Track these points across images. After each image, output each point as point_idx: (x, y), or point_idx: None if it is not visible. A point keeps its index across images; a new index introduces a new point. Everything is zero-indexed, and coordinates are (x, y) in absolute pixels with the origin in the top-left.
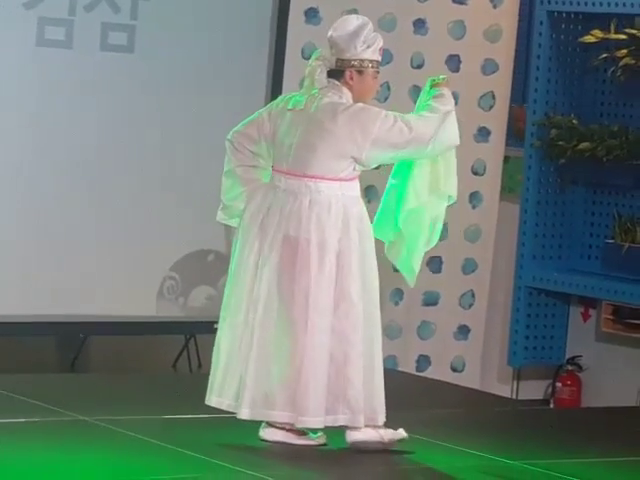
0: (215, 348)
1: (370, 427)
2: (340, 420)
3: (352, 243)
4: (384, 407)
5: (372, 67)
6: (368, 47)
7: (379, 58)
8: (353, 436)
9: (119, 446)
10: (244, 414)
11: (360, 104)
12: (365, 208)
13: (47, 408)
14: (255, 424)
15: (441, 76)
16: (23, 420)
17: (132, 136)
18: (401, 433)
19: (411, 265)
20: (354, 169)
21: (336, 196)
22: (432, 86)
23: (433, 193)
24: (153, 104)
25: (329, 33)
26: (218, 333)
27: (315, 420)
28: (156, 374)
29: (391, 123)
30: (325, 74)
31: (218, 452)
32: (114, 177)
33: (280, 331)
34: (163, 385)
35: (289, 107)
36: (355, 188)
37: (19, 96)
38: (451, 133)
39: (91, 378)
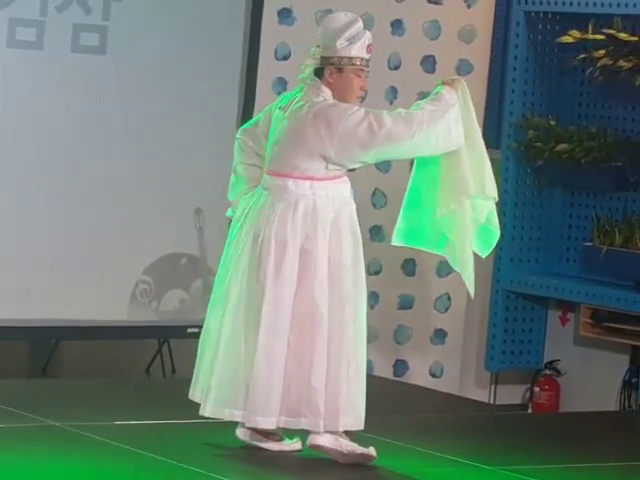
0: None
1: (331, 434)
2: (302, 423)
3: (320, 244)
4: (352, 413)
5: (352, 65)
6: (350, 44)
7: (364, 55)
8: (312, 440)
9: (91, 452)
10: (206, 411)
11: (331, 101)
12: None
13: (18, 413)
14: (231, 428)
15: (454, 77)
16: None
17: (104, 138)
18: (369, 452)
19: (468, 276)
20: (326, 168)
21: (305, 195)
22: (442, 84)
23: (466, 198)
24: (125, 105)
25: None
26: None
27: (265, 420)
28: (129, 379)
29: (359, 119)
30: (312, 72)
31: (190, 457)
32: (86, 179)
33: (243, 331)
34: (136, 390)
35: (279, 106)
36: (336, 188)
37: None
38: (441, 134)
39: (63, 383)
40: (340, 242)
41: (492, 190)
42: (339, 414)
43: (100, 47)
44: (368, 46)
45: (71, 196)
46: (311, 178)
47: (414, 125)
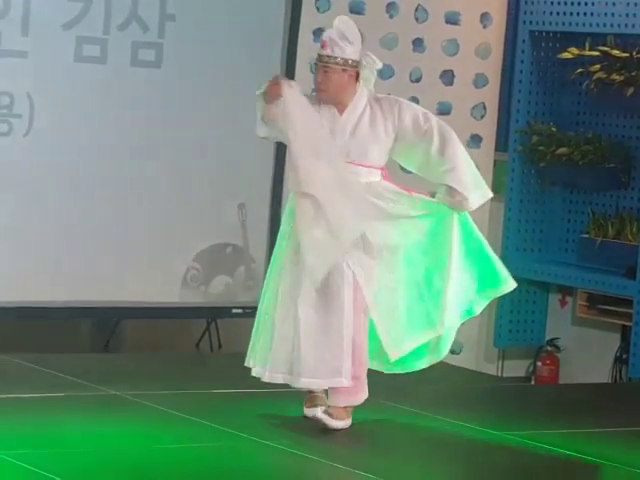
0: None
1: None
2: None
3: None
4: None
5: (316, 61)
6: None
7: (322, 52)
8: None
9: (148, 418)
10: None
11: None
12: None
13: (83, 384)
14: (277, 398)
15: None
16: (62, 395)
17: (162, 140)
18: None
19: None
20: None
21: None
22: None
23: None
24: (178, 113)
25: None
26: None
27: (308, 381)
28: (181, 354)
29: None
30: None
31: (236, 423)
32: (146, 178)
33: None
34: (188, 363)
35: None
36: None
37: (58, 106)
38: None
39: (123, 357)
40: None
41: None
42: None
43: (156, 62)
44: (323, 41)
45: (132, 193)
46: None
47: None
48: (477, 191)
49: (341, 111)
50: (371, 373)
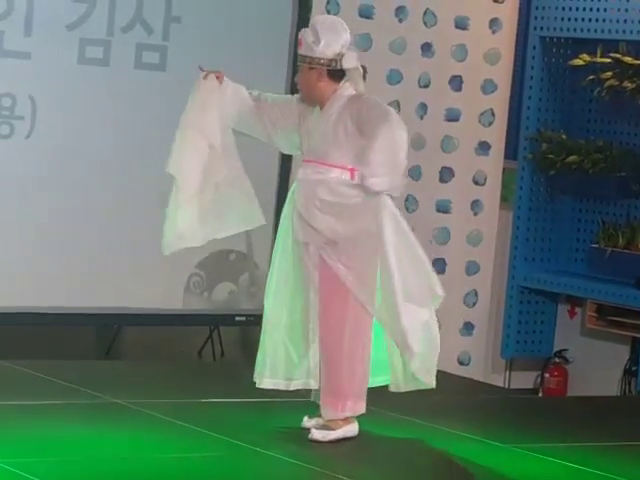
0: None
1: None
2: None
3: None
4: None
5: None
6: None
7: (300, 51)
8: None
9: (148, 426)
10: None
11: None
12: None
13: (84, 391)
14: (279, 407)
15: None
16: (62, 402)
17: (162, 145)
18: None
19: None
20: None
21: None
22: None
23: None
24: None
25: None
26: None
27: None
28: (183, 362)
29: None
30: None
31: (237, 432)
32: (147, 183)
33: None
34: (189, 372)
35: None
36: None
37: (60, 108)
38: None
39: (124, 364)
40: None
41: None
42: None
43: (160, 64)
44: (299, 40)
45: (133, 198)
46: None
47: None
48: (385, 176)
49: (322, 110)
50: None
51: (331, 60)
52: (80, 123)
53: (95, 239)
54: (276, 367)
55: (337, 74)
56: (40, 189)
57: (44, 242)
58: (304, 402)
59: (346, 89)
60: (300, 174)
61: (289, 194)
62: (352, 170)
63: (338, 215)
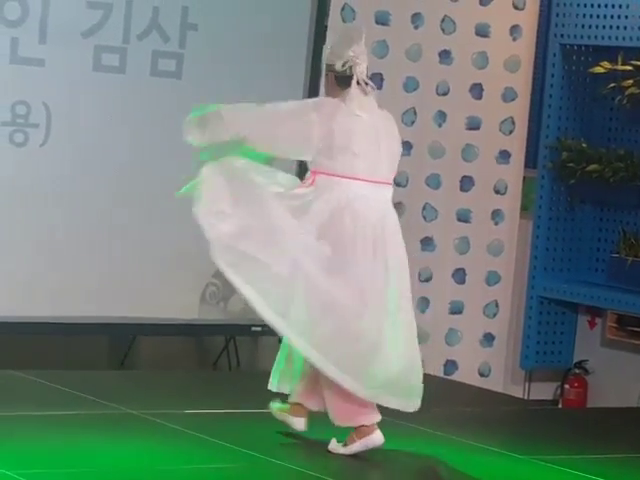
0: None
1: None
2: None
3: None
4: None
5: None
6: None
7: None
8: None
9: (163, 437)
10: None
11: None
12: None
13: (98, 402)
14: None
15: None
16: (77, 412)
17: (177, 153)
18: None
19: None
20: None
21: None
22: None
23: None
24: None
25: None
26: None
27: None
28: (199, 372)
29: None
30: None
31: (253, 444)
32: (164, 194)
33: None
34: (205, 382)
35: None
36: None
37: (75, 116)
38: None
39: (139, 374)
40: None
41: None
42: None
43: (176, 72)
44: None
45: (149, 206)
46: None
47: None
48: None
49: None
50: None
51: (334, 66)
52: (96, 131)
53: (111, 248)
54: None
55: (343, 81)
56: (55, 198)
57: (59, 251)
58: (319, 414)
59: (348, 94)
60: None
61: None
62: (313, 173)
63: None
